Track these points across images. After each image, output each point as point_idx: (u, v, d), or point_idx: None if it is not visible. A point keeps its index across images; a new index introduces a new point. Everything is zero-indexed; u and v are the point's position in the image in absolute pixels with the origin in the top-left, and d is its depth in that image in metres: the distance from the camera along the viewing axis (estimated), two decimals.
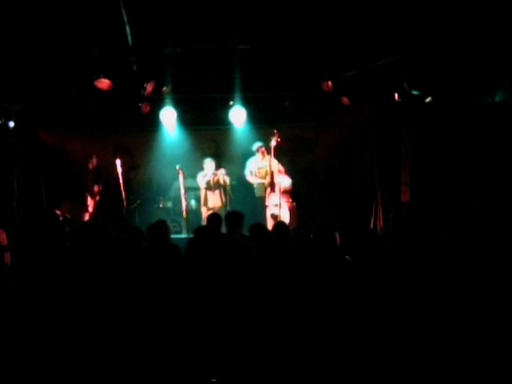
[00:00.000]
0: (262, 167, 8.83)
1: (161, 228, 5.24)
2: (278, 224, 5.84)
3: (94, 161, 9.00)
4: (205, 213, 8.73)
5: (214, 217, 6.03)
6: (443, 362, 3.64)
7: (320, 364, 3.68)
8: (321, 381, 3.64)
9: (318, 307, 3.98)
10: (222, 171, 8.95)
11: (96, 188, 8.96)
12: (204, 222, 8.18)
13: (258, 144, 8.85)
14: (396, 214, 7.77)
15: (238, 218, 5.69)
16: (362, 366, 3.66)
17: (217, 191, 8.87)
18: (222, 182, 8.90)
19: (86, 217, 8.64)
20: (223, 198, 8.89)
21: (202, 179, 8.93)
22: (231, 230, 5.55)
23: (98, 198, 8.99)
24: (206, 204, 8.86)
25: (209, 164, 8.94)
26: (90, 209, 8.85)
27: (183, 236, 8.36)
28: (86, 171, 8.96)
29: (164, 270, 4.34)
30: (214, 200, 8.84)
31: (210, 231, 5.14)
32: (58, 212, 7.67)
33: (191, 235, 5.44)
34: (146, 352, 3.76)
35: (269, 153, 8.63)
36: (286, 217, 8.46)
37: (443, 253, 6.23)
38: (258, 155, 8.87)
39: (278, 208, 8.38)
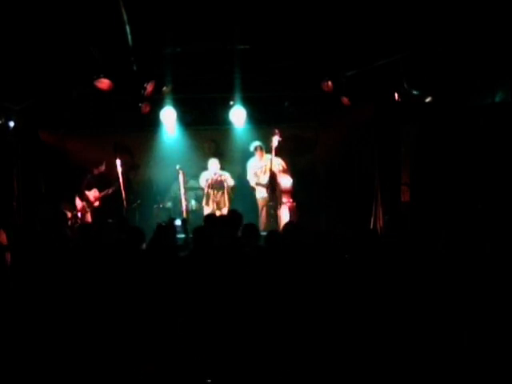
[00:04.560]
0: (262, 167, 8.83)
1: (168, 229, 5.24)
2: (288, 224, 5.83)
3: (103, 168, 8.96)
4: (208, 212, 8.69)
5: (210, 218, 6.02)
6: (442, 362, 3.64)
7: (318, 363, 3.68)
8: (318, 380, 3.65)
9: (317, 307, 3.98)
10: (226, 174, 8.90)
11: (91, 194, 8.91)
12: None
13: (255, 144, 8.84)
14: (391, 215, 7.78)
15: (238, 217, 5.69)
16: (361, 366, 3.67)
17: (219, 191, 8.81)
18: (225, 183, 8.83)
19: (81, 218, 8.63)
20: (226, 199, 8.83)
21: (204, 178, 8.88)
22: (231, 229, 5.55)
23: (95, 202, 8.93)
24: (207, 203, 8.81)
25: (213, 164, 8.85)
26: (80, 211, 8.83)
27: (183, 236, 8.35)
28: (89, 175, 8.95)
29: (163, 270, 4.34)
30: (217, 200, 8.78)
31: (209, 232, 5.14)
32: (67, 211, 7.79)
33: (191, 235, 5.44)
34: (145, 351, 3.77)
35: (268, 152, 8.64)
36: (286, 217, 8.46)
37: (443, 253, 6.22)
38: (256, 155, 8.87)
39: (278, 208, 8.38)
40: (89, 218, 8.78)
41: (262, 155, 8.81)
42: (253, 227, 5.34)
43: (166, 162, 9.28)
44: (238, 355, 3.74)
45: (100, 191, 8.88)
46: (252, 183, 8.92)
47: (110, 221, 8.21)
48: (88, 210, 8.79)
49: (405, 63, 6.95)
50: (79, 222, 8.36)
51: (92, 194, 8.89)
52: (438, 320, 3.95)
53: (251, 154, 8.97)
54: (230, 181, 8.87)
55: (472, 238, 6.33)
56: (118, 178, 8.52)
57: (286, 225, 5.83)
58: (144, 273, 4.34)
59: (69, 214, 8.16)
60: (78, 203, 8.82)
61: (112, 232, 6.17)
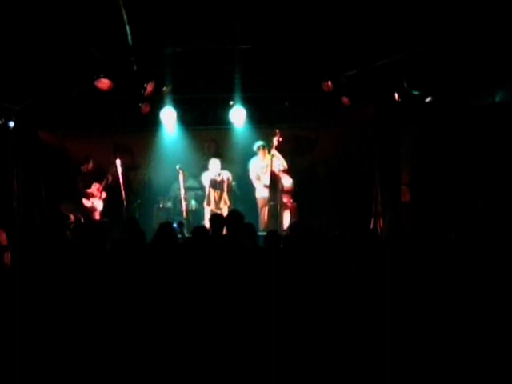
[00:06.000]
0: (264, 167, 8.83)
1: (170, 229, 5.24)
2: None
3: (90, 165, 9.06)
4: (208, 213, 8.68)
5: (216, 217, 6.01)
6: (445, 362, 3.63)
7: (320, 363, 3.69)
8: (318, 379, 3.65)
9: (317, 308, 3.99)
10: (227, 173, 8.90)
11: (95, 189, 8.98)
12: (205, 222, 8.18)
13: (258, 143, 8.85)
14: (392, 215, 7.78)
15: (239, 217, 5.67)
16: (364, 365, 3.67)
17: (219, 190, 8.80)
18: (225, 182, 8.83)
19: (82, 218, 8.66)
20: (227, 199, 8.83)
21: (206, 178, 8.87)
22: (232, 229, 5.54)
23: (99, 197, 9.00)
24: (209, 203, 8.81)
25: (214, 164, 8.84)
26: (88, 209, 8.91)
27: (180, 237, 8.34)
28: (79, 174, 9.05)
29: (164, 269, 4.35)
30: (218, 200, 8.77)
31: (208, 231, 5.14)
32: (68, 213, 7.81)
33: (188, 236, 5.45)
34: (146, 351, 3.77)
35: (269, 152, 8.65)
36: (286, 217, 8.46)
37: (454, 255, 6.20)
38: (259, 155, 8.87)
39: (279, 208, 8.38)
40: (96, 216, 8.85)
41: (264, 155, 8.81)
42: (250, 227, 5.34)
43: (165, 162, 9.28)
44: (237, 354, 3.74)
45: (100, 183, 9.00)
46: (255, 183, 8.91)
47: (106, 219, 8.31)
48: (98, 203, 8.96)
49: (405, 63, 6.96)
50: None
51: (94, 188, 8.99)
52: (437, 319, 3.94)
53: (252, 154, 8.97)
54: (228, 175, 8.85)
55: (472, 238, 6.33)
56: (107, 169, 8.76)
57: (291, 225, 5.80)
58: (146, 272, 4.34)
59: (72, 217, 8.14)
60: (86, 202, 8.89)
61: (109, 232, 6.15)
